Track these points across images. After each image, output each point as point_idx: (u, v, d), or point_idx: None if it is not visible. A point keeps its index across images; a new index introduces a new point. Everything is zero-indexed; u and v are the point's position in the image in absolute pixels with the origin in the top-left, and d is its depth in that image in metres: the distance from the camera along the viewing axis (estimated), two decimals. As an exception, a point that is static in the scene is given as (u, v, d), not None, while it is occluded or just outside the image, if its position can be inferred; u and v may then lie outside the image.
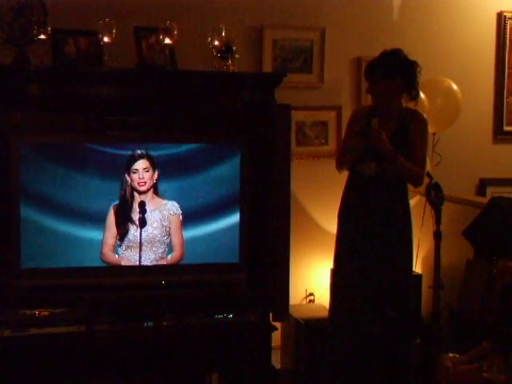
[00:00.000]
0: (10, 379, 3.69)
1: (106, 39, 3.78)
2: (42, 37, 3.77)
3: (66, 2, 4.00)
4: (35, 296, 3.80)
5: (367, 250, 3.72)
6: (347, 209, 3.81)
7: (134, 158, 3.85)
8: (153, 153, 3.87)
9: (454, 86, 4.52)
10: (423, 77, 3.84)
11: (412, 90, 3.72)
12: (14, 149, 3.73)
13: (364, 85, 4.02)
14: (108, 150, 3.83)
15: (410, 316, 3.82)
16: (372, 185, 3.72)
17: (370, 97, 3.82)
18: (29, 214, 3.77)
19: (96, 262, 3.88)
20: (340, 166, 3.85)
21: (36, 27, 3.74)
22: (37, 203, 3.80)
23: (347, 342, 3.77)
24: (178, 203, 3.94)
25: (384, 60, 3.67)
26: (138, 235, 3.86)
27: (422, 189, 3.96)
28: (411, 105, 3.80)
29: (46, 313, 3.79)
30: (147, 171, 3.87)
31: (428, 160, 4.20)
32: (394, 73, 3.64)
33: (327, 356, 3.89)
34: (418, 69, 3.70)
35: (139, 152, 3.85)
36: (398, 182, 3.74)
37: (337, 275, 3.90)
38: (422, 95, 4.22)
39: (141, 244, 3.84)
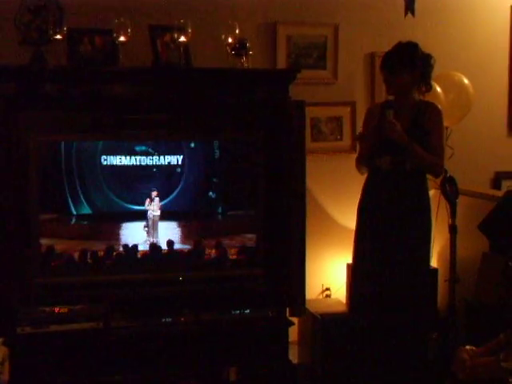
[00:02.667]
0: (30, 375, 3.73)
1: (121, 38, 3.80)
2: (58, 37, 3.79)
3: (82, 2, 4.03)
4: (55, 293, 3.84)
5: (387, 245, 3.73)
6: (366, 204, 3.82)
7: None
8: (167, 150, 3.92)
9: (465, 80, 4.51)
10: (436, 71, 3.83)
11: (427, 81, 3.74)
12: (31, 148, 3.77)
13: (378, 79, 4.03)
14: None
15: (427, 310, 3.82)
16: (389, 179, 3.72)
17: (384, 91, 3.83)
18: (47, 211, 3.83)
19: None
20: (358, 164, 3.85)
21: (52, 27, 3.76)
22: (54, 201, 3.85)
23: (366, 335, 3.80)
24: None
25: (403, 50, 3.69)
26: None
27: (437, 182, 3.96)
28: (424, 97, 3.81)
29: (65, 310, 3.83)
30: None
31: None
32: (414, 63, 3.66)
33: (348, 348, 3.92)
34: (433, 61, 3.73)
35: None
36: (416, 174, 3.73)
37: (355, 270, 3.91)
38: (438, 89, 4.23)
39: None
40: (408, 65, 3.66)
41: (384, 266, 3.72)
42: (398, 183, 3.71)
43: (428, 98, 3.84)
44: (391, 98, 3.78)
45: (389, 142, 3.64)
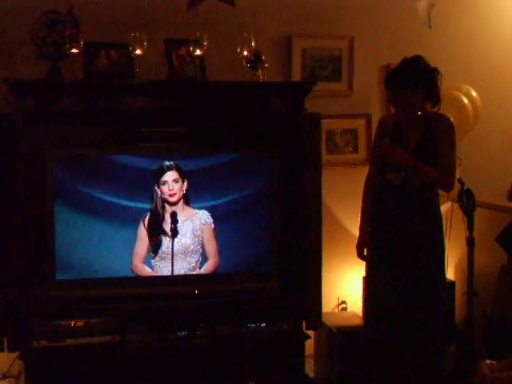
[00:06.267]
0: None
1: (137, 52, 3.81)
2: (75, 51, 3.80)
3: (98, 16, 4.06)
4: (70, 307, 3.84)
5: (397, 258, 3.72)
6: (377, 217, 3.82)
7: (162, 170, 3.90)
8: (183, 163, 3.91)
9: (474, 93, 4.49)
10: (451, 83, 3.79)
11: (434, 97, 3.68)
12: (47, 162, 3.79)
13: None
14: (138, 162, 3.89)
15: (439, 323, 3.79)
16: (400, 193, 3.71)
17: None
18: (63, 226, 3.82)
19: (128, 273, 3.93)
20: (368, 182, 3.88)
21: (68, 42, 3.78)
22: (70, 216, 3.85)
23: (381, 349, 3.77)
24: (209, 212, 3.97)
25: (403, 70, 3.63)
26: (171, 246, 3.88)
27: (454, 195, 3.94)
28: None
29: (81, 323, 3.82)
30: (177, 182, 3.92)
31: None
32: (414, 83, 3.58)
33: (364, 363, 3.89)
34: (439, 76, 3.65)
35: (167, 164, 3.90)
36: (425, 189, 3.72)
37: (368, 283, 3.89)
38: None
39: (173, 254, 3.85)
40: (409, 86, 3.58)
41: (398, 283, 3.70)
42: (408, 197, 3.70)
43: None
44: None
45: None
